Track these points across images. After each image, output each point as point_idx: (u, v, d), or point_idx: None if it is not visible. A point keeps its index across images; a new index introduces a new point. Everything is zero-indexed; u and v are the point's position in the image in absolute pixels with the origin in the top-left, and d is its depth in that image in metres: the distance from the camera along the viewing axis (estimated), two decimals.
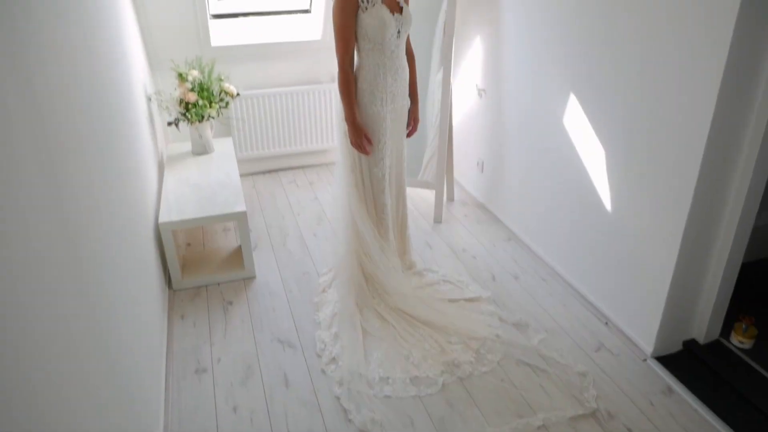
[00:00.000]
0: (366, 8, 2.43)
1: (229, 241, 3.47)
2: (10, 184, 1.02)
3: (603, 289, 2.75)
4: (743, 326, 2.46)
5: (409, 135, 2.89)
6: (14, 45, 1.17)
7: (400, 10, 2.53)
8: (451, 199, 3.97)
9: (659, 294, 2.37)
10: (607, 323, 2.69)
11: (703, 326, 2.47)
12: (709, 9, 1.94)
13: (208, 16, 3.83)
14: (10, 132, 1.07)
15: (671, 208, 2.24)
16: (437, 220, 3.68)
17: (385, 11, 2.44)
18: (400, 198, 2.95)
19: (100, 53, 2.15)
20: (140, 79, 3.21)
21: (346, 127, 2.62)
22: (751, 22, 1.87)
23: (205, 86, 3.54)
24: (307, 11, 4.24)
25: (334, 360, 2.47)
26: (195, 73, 3.53)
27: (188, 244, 3.43)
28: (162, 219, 2.85)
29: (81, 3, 1.96)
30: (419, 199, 3.95)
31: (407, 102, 2.76)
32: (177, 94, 3.50)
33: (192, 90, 3.49)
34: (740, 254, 2.31)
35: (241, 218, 2.95)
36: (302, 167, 4.58)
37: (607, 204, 2.60)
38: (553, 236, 3.11)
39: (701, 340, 2.49)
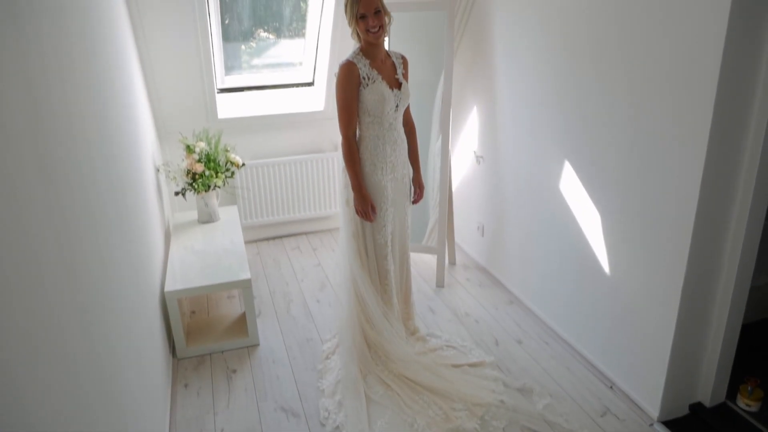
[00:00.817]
0: (367, 84, 2.57)
1: (233, 307, 3.49)
2: (24, 254, 1.07)
3: (607, 353, 2.75)
4: (749, 388, 2.44)
5: (415, 201, 2.98)
6: (32, 119, 1.25)
7: (399, 86, 2.67)
8: (452, 263, 4.01)
9: (662, 357, 2.37)
10: (612, 387, 2.68)
11: (708, 389, 2.45)
12: (698, 78, 2.04)
13: (216, 91, 4.00)
14: (27, 201, 1.13)
15: (668, 271, 2.28)
16: (439, 284, 3.71)
17: (384, 87, 2.59)
18: (404, 264, 2.99)
19: (112, 127, 2.25)
20: (149, 151, 3.33)
21: (348, 196, 2.71)
22: (736, 89, 1.98)
23: (212, 157, 3.66)
24: (310, 84, 4.43)
25: (337, 429, 2.45)
26: (202, 144, 3.66)
27: (192, 312, 3.45)
28: (168, 287, 2.89)
29: (97, 78, 2.08)
30: (421, 263, 3.99)
31: (408, 171, 2.86)
32: (184, 165, 3.62)
33: (199, 161, 3.60)
34: (740, 315, 2.33)
35: (245, 286, 2.99)
36: (305, 233, 4.65)
37: (606, 267, 2.65)
38: (554, 299, 3.13)
39: (707, 403, 2.47)
